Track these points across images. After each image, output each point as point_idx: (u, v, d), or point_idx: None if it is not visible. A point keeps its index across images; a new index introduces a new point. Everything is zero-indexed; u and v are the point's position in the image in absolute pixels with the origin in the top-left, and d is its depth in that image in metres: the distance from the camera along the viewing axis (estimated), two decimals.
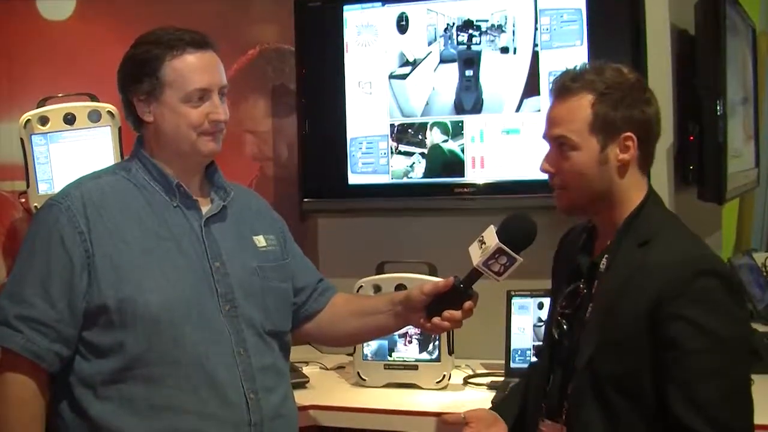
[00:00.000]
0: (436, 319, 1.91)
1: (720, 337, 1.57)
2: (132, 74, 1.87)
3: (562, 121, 1.73)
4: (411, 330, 2.54)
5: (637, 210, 1.73)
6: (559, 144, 1.74)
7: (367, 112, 2.83)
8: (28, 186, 2.50)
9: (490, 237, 1.82)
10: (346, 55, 2.84)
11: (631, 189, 1.73)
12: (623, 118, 1.70)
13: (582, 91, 1.71)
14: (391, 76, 2.80)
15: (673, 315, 1.58)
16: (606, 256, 1.73)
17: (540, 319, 2.53)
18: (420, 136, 2.76)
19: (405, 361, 2.55)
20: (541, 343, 2.44)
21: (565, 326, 1.79)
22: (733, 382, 1.59)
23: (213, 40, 1.90)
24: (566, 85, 1.73)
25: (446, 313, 1.90)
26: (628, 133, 1.70)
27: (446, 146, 2.74)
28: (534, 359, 2.47)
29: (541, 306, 2.54)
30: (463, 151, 2.72)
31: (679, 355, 1.58)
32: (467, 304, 1.89)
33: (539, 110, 2.63)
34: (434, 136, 2.74)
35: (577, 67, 1.77)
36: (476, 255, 1.84)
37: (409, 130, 2.78)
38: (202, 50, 1.86)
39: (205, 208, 1.92)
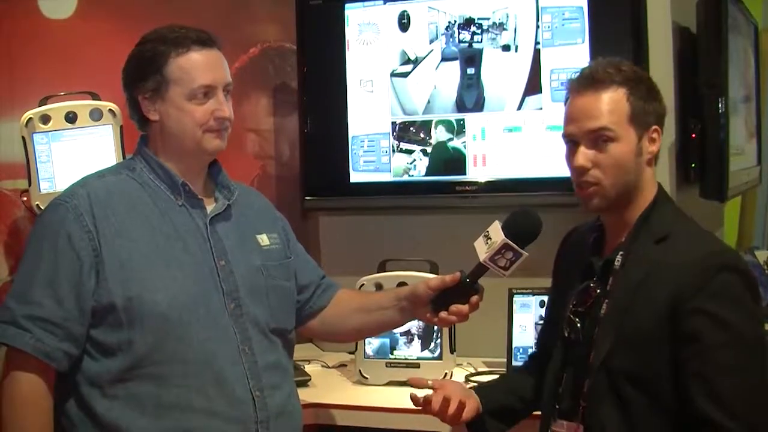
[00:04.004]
0: (443, 314, 1.92)
1: (740, 331, 1.59)
2: (137, 72, 1.87)
3: (601, 113, 1.70)
4: (413, 328, 2.54)
5: (650, 206, 1.74)
6: (595, 137, 1.71)
7: (369, 110, 2.83)
8: (29, 184, 2.50)
9: (496, 232, 1.82)
10: (347, 53, 2.84)
11: (647, 184, 1.75)
12: (653, 111, 1.73)
13: (614, 85, 1.71)
14: (393, 74, 2.80)
15: (694, 310, 1.59)
16: (621, 252, 1.73)
17: (542, 317, 2.52)
18: (422, 134, 2.76)
19: (407, 359, 2.56)
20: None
21: (578, 325, 1.78)
22: (754, 376, 1.60)
23: (218, 39, 1.90)
24: (599, 78, 1.72)
25: (453, 308, 1.91)
26: (656, 126, 1.73)
27: (448, 144, 2.73)
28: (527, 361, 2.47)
29: (542, 304, 2.53)
30: (464, 149, 2.72)
31: (700, 350, 1.58)
32: (474, 298, 1.90)
33: (541, 108, 2.63)
34: (437, 134, 2.74)
35: (599, 63, 1.77)
36: (482, 250, 1.84)
37: (411, 129, 2.78)
38: (207, 48, 1.87)
39: (210, 207, 1.92)
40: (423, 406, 1.90)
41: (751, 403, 1.58)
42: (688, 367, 1.59)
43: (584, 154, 1.72)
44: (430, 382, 1.94)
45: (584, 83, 1.74)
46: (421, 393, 1.92)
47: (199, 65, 1.85)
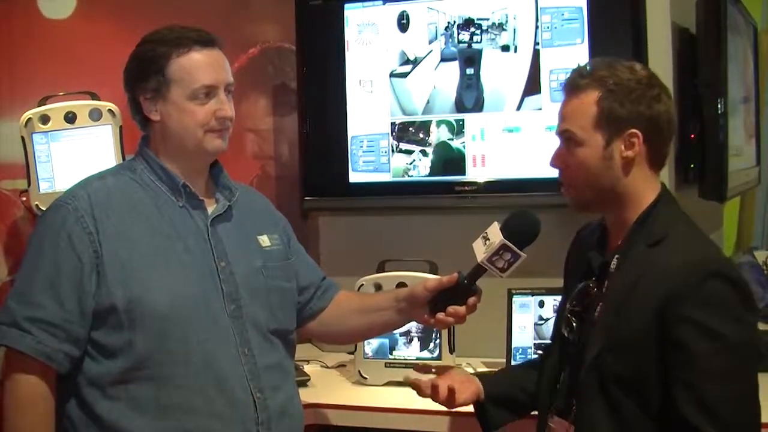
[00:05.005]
0: (440, 315, 1.92)
1: (728, 340, 1.57)
2: (138, 72, 1.87)
3: (569, 117, 1.74)
4: (412, 329, 2.54)
5: (648, 210, 1.72)
6: (566, 139, 1.74)
7: (368, 111, 2.83)
8: (29, 185, 2.50)
9: (495, 233, 1.82)
10: (347, 53, 2.84)
11: (640, 187, 1.73)
12: (629, 114, 1.69)
13: (589, 88, 1.71)
14: (392, 75, 2.80)
15: (681, 317, 1.58)
16: (617, 255, 1.72)
17: (541, 318, 2.53)
18: (421, 135, 2.76)
19: (406, 359, 2.56)
20: (543, 341, 2.46)
21: (574, 324, 1.79)
22: (741, 385, 1.59)
23: (219, 39, 1.90)
24: (575, 82, 1.74)
25: (450, 309, 1.90)
26: (633, 130, 1.69)
27: (448, 144, 2.73)
28: (535, 357, 2.47)
29: (542, 304, 2.54)
30: (464, 149, 2.72)
31: (687, 357, 1.57)
32: (471, 299, 1.90)
33: (540, 108, 2.63)
34: (436, 135, 2.75)
35: (590, 64, 1.77)
36: (480, 251, 1.84)
37: (410, 129, 2.78)
38: (209, 48, 1.87)
39: (211, 208, 1.92)
40: (415, 388, 1.95)
41: (736, 410, 1.57)
42: (674, 374, 1.59)
43: (556, 154, 1.77)
44: (434, 369, 1.98)
45: (565, 85, 1.77)
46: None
47: (200, 65, 1.84)
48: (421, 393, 1.95)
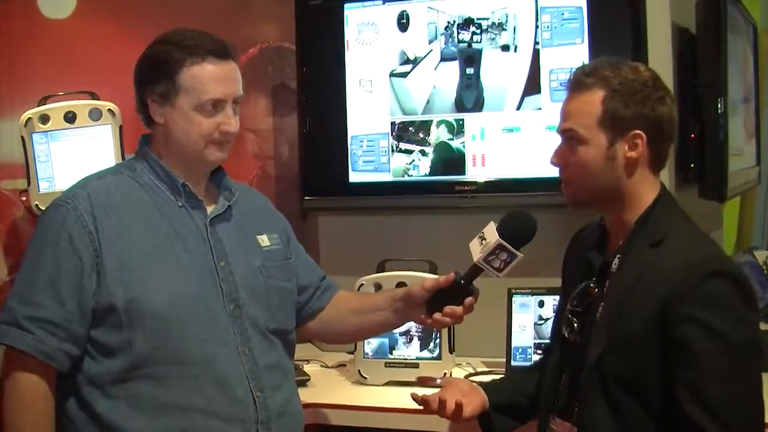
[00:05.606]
0: (436, 315, 1.92)
1: (730, 339, 1.57)
2: (149, 73, 1.85)
3: (573, 115, 1.73)
4: (412, 328, 2.54)
5: (648, 210, 1.72)
6: (568, 138, 1.74)
7: (368, 110, 2.83)
8: (29, 184, 2.50)
9: (491, 233, 1.82)
10: (346, 53, 2.84)
11: (640, 189, 1.72)
12: (633, 115, 1.69)
13: (594, 87, 1.70)
14: (392, 74, 2.80)
15: (683, 317, 1.58)
16: (618, 255, 1.72)
17: (541, 317, 2.53)
18: (421, 134, 2.76)
19: (406, 359, 2.56)
20: (543, 341, 2.46)
21: (575, 325, 1.78)
22: (743, 384, 1.59)
23: (234, 50, 1.88)
24: (580, 80, 1.73)
25: (447, 309, 1.90)
26: (637, 131, 1.69)
27: (448, 144, 2.73)
28: (536, 357, 2.47)
29: (542, 304, 2.54)
30: (464, 149, 2.72)
31: (689, 357, 1.57)
32: (468, 299, 1.90)
33: (540, 108, 2.63)
34: (436, 135, 2.75)
35: (594, 63, 1.77)
36: (476, 251, 1.84)
37: (410, 129, 2.78)
38: (223, 60, 1.84)
39: (210, 208, 1.92)
40: (423, 405, 1.94)
41: (738, 409, 1.57)
42: (676, 373, 1.58)
43: (557, 151, 1.77)
44: (438, 381, 1.96)
45: (569, 83, 1.76)
46: (426, 391, 1.96)
47: (212, 78, 1.82)
48: (428, 409, 1.94)
